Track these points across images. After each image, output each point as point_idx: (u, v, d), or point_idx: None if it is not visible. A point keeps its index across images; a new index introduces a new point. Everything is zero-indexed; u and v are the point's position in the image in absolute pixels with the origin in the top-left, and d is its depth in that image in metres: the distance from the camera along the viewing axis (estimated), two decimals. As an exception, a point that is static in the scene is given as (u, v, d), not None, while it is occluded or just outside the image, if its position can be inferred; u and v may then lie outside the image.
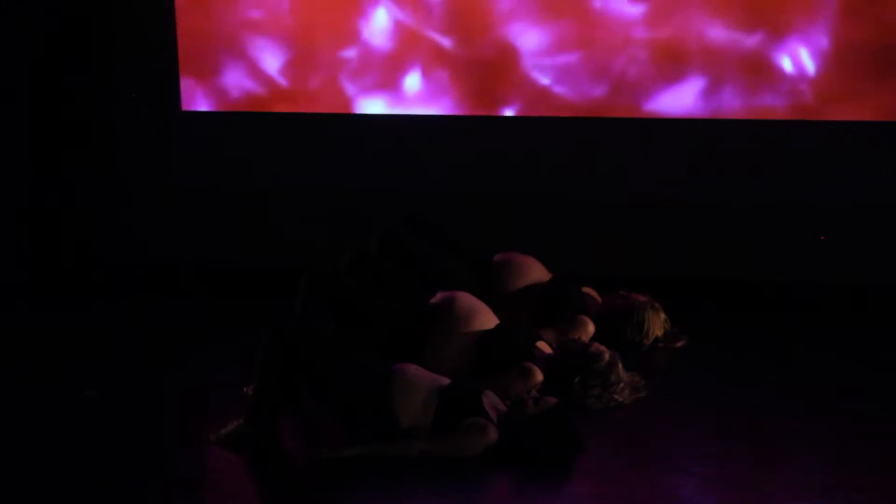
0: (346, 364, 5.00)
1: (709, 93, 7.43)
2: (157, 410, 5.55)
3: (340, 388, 4.96)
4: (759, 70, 7.37)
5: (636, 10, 7.44)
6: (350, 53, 7.75)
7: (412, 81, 7.71)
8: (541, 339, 5.70)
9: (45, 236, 7.93)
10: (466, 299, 5.71)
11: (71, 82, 7.87)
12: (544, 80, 7.58)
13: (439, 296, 5.72)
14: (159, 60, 7.84)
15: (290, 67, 7.83)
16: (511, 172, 7.69)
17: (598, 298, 6.50)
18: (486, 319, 5.67)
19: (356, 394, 4.95)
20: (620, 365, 5.50)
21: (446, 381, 5.03)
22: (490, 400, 4.99)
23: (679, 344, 6.38)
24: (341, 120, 7.82)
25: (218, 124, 7.91)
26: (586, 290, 6.50)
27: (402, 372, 5.01)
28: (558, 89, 7.57)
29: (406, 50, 7.70)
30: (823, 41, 7.30)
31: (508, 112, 7.65)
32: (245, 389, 5.40)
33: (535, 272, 6.47)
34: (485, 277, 6.34)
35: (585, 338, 5.84)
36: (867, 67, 7.29)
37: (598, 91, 7.53)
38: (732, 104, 7.43)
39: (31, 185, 7.94)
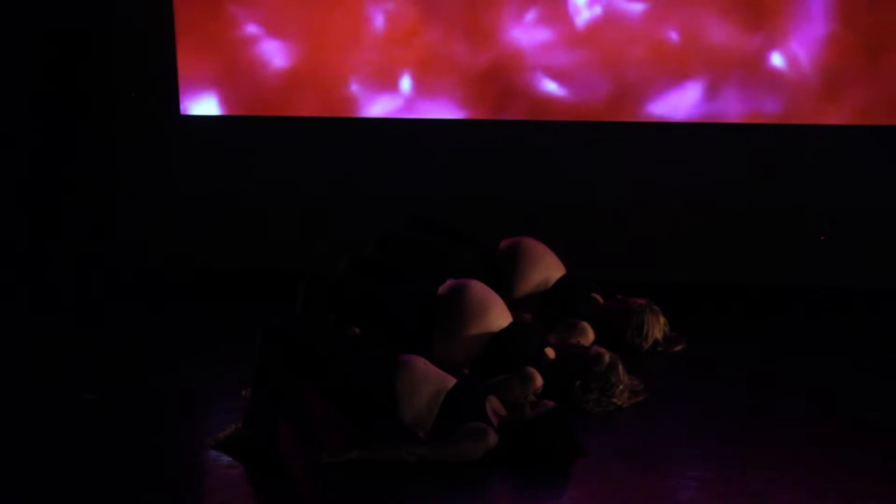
0: (349, 356, 4.98)
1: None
2: (155, 414, 5.55)
3: (344, 381, 4.94)
4: (758, 73, 7.39)
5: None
6: (352, 55, 7.76)
7: (411, 85, 7.71)
8: (550, 344, 5.69)
9: (44, 238, 7.93)
10: (479, 289, 5.63)
11: (70, 85, 7.88)
12: (548, 84, 7.60)
13: (449, 283, 5.68)
14: (158, 64, 7.84)
15: (291, 70, 7.82)
16: (510, 176, 7.69)
17: (602, 302, 6.48)
18: (499, 314, 5.61)
19: (361, 385, 4.93)
20: (621, 367, 5.49)
21: (452, 381, 5.01)
22: (492, 405, 4.99)
23: (678, 347, 6.38)
24: (342, 123, 7.82)
25: (217, 128, 7.91)
26: (593, 294, 6.49)
27: (409, 365, 4.97)
28: (561, 93, 7.59)
29: (407, 54, 7.70)
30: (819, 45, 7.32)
31: (510, 115, 7.65)
32: (244, 392, 5.40)
33: (546, 260, 6.41)
34: (491, 264, 6.27)
35: (585, 343, 5.84)
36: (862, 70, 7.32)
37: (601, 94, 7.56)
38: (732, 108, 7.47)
39: (31, 187, 7.94)
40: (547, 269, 6.37)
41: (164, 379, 6.02)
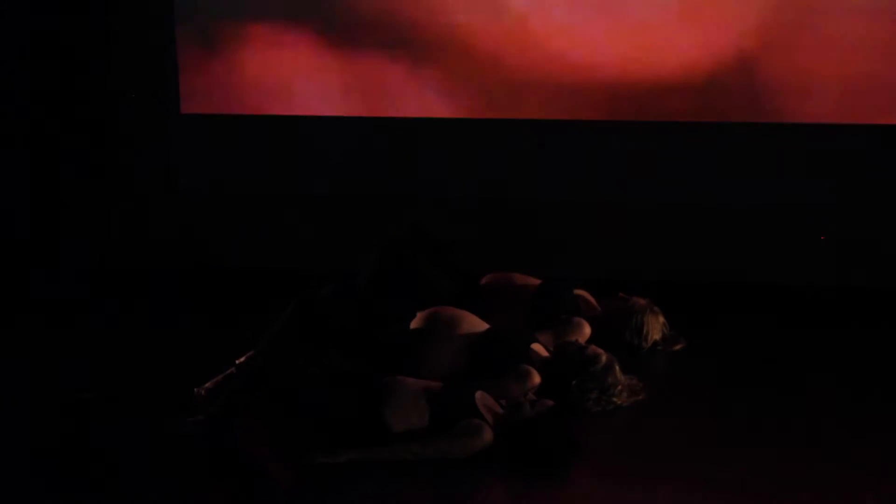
0: (338, 374, 5.01)
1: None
2: (155, 412, 5.55)
3: (332, 398, 4.96)
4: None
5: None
6: (355, 52, 7.77)
7: (417, 81, 7.71)
8: (536, 340, 5.70)
9: (44, 237, 7.94)
10: (448, 309, 5.72)
11: (70, 84, 7.89)
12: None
13: (419, 317, 5.73)
14: (158, 62, 7.85)
15: (292, 67, 7.84)
16: (510, 175, 7.69)
17: (593, 301, 6.48)
18: (474, 322, 5.67)
19: (347, 405, 4.95)
20: (618, 367, 5.50)
21: (437, 385, 5.03)
22: (484, 400, 4.99)
23: (678, 347, 6.38)
24: (343, 121, 7.82)
25: (217, 127, 7.91)
26: (580, 292, 6.49)
27: (392, 384, 5.01)
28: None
29: (412, 49, 7.71)
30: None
31: (510, 114, 7.66)
32: (197, 389, 5.44)
33: (516, 282, 6.46)
34: (474, 300, 6.32)
35: (582, 339, 5.83)
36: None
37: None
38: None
39: (32, 185, 7.95)
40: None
41: (163, 379, 6.02)
